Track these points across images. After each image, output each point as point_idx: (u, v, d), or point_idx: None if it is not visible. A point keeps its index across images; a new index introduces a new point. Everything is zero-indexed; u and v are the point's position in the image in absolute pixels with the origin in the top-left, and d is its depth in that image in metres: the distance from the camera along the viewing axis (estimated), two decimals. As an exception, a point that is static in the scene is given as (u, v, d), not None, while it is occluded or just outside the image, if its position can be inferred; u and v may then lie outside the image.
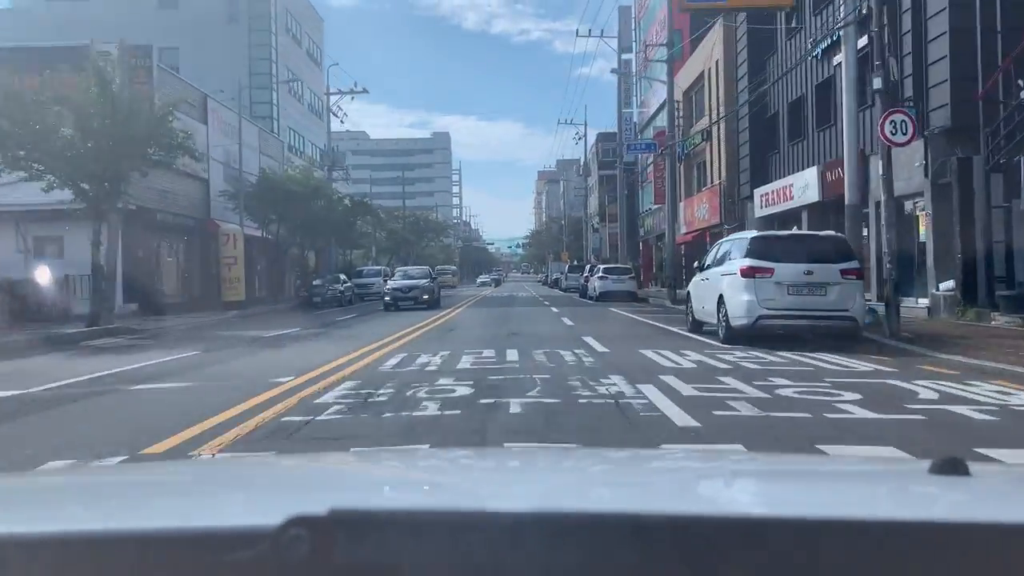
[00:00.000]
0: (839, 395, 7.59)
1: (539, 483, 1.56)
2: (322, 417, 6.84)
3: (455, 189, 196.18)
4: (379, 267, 48.80)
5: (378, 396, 7.92)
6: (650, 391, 7.90)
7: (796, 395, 7.62)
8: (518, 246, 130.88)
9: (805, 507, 1.27)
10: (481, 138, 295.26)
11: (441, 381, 8.92)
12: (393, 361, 11.28)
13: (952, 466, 1.31)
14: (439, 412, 6.93)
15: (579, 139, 65.62)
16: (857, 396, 7.51)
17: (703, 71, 35.02)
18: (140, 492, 1.48)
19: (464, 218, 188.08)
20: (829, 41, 20.30)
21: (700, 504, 1.34)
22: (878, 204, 14.56)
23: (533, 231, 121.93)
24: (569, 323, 20.09)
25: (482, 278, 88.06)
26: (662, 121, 40.86)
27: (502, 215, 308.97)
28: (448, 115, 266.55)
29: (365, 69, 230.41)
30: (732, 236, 16.54)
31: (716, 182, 33.58)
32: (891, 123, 12.91)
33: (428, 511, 1.10)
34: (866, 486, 1.52)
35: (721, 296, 13.25)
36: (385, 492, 1.50)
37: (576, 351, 12.33)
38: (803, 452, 5.07)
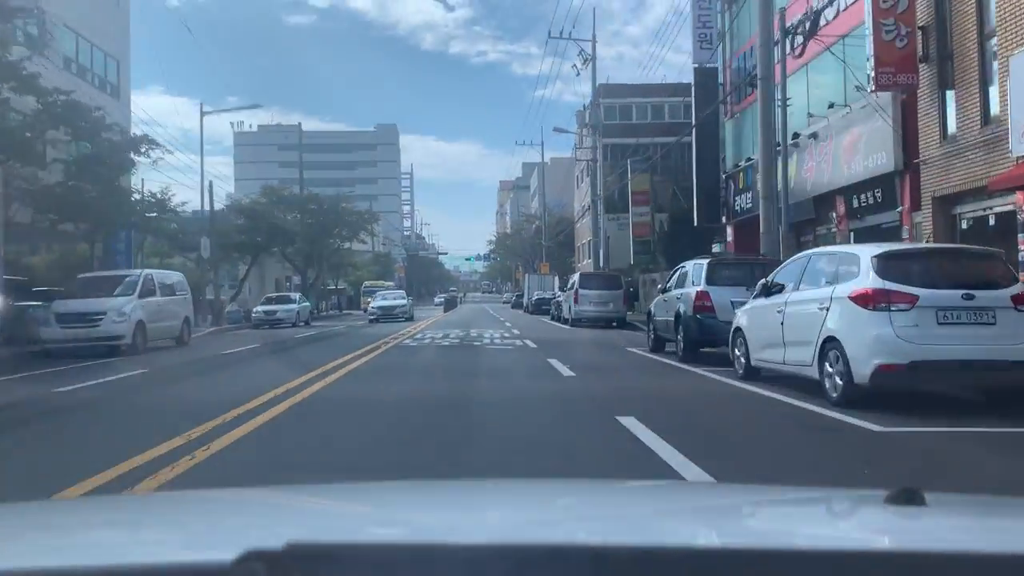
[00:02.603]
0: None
1: (503, 516, 1.51)
2: None
3: (405, 196, 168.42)
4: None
5: None
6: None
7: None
8: (478, 258, 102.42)
9: (764, 538, 1.27)
10: (440, 158, 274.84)
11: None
12: None
13: (908, 496, 1.31)
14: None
15: (585, 63, 38.06)
16: None
17: None
18: (94, 527, 1.42)
19: (416, 228, 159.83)
20: None
21: (659, 536, 1.32)
22: None
23: (499, 235, 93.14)
24: None
25: (380, 302, 37.76)
26: None
27: (461, 236, 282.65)
28: (407, 135, 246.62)
29: (322, 88, 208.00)
30: None
31: None
32: None
33: (387, 545, 1.08)
34: (823, 516, 1.53)
35: None
36: (345, 525, 1.43)
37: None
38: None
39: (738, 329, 10.81)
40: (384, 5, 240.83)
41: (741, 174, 25.12)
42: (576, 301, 27.20)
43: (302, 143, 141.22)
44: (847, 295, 8.00)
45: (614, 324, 26.89)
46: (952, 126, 14.44)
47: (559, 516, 1.51)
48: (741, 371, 10.63)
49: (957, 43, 14.23)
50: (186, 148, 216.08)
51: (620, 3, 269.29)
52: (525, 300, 53.02)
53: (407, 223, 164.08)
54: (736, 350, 10.87)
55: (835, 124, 18.71)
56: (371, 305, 37.89)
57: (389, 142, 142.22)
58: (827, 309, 8.29)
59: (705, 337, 12.97)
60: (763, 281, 10.25)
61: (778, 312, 9.43)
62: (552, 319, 33.97)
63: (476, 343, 18.77)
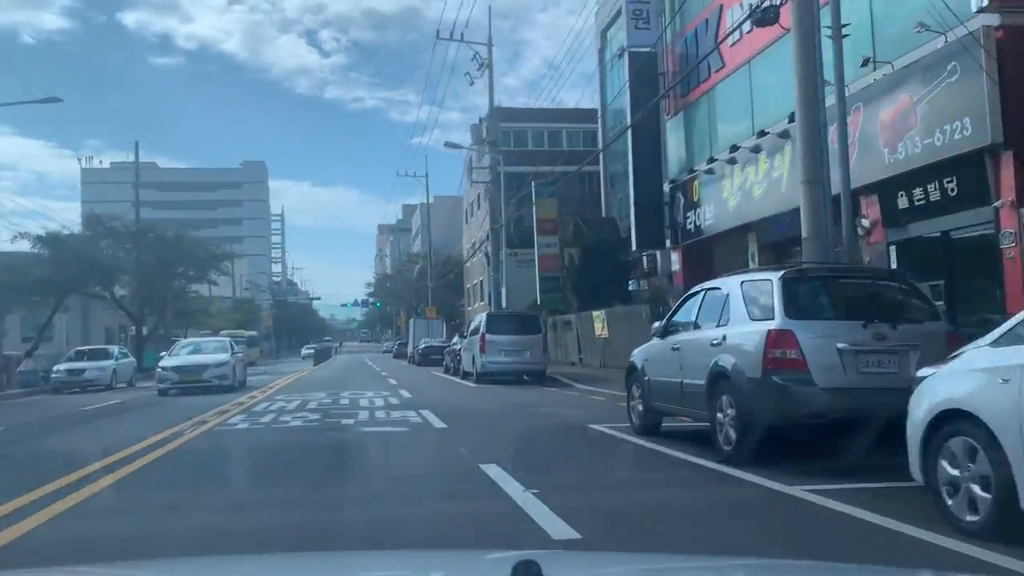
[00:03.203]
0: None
1: None
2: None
3: (276, 239, 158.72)
4: None
5: None
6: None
7: None
8: (356, 304, 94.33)
9: None
10: (315, 204, 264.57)
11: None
12: None
13: (526, 568, 1.34)
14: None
15: (480, 68, 32.16)
16: None
17: None
18: None
19: (288, 274, 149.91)
20: None
21: None
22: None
23: (378, 277, 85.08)
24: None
25: (177, 358, 21.85)
26: None
27: (338, 283, 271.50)
28: (280, 179, 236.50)
29: (190, 132, 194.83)
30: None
31: None
32: None
33: None
34: None
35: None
36: None
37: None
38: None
39: (962, 416, 4.61)
40: (256, 49, 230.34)
41: (694, 183, 19.46)
42: (483, 350, 20.77)
43: (160, 181, 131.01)
44: None
45: (525, 377, 20.80)
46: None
47: None
48: (983, 517, 4.43)
49: None
50: (39, 193, 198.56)
51: (497, 54, 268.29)
52: (410, 349, 46.10)
53: (277, 267, 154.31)
54: (950, 466, 4.67)
55: (861, 94, 13.16)
56: (161, 365, 21.42)
57: (257, 180, 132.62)
58: None
59: (786, 418, 6.75)
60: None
61: None
62: (448, 372, 27.33)
63: (347, 419, 11.96)
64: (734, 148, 16.75)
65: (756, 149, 16.20)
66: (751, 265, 17.40)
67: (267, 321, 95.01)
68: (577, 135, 48.74)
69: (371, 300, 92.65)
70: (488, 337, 20.76)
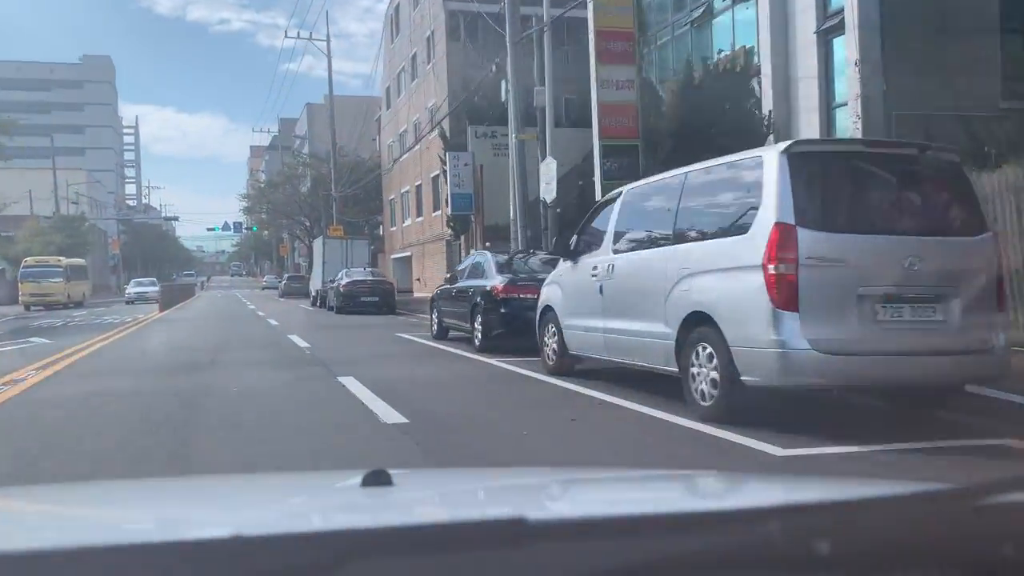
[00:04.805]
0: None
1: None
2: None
3: (129, 155, 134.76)
4: None
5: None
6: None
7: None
8: (225, 227, 74.48)
9: (255, 524, 1.28)
10: (180, 132, 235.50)
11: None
12: None
13: (376, 478, 1.37)
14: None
15: None
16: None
17: None
18: None
19: (145, 198, 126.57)
20: None
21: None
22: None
23: (256, 187, 64.31)
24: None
25: None
26: None
27: (206, 217, 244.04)
28: (139, 104, 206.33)
29: (32, 52, 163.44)
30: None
31: None
32: None
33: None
34: (294, 501, 1.56)
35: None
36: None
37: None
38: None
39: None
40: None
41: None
42: (787, 304, 4.71)
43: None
44: None
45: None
46: None
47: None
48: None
49: None
50: None
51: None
52: (317, 285, 29.23)
53: (132, 190, 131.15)
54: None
55: None
56: None
57: (101, 80, 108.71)
58: None
59: None
60: None
61: None
62: (467, 347, 11.08)
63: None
64: None
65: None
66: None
67: (113, 248, 75.00)
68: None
69: (245, 225, 73.65)
70: (813, 247, 4.70)
